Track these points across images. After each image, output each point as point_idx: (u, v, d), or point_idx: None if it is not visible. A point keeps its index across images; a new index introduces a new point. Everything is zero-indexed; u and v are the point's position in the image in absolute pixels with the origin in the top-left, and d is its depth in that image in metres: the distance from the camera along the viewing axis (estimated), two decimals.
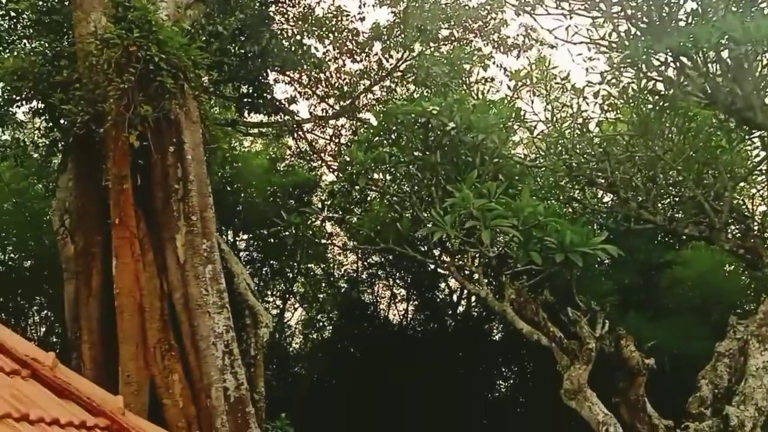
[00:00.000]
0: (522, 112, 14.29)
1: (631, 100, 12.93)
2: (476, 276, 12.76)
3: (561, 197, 15.02)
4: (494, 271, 12.85)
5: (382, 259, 24.28)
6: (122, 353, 10.75)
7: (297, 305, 28.07)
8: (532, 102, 14.74)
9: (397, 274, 25.13)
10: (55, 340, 24.02)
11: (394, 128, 13.50)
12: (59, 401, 5.11)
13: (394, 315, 26.24)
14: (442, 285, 25.42)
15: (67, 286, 12.22)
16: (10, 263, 24.71)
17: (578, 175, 14.03)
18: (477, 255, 12.72)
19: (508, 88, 15.52)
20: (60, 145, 13.95)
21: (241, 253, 22.97)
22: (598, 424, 10.96)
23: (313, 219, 18.88)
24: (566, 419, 18.35)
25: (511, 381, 25.96)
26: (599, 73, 12.61)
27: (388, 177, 14.30)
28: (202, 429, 10.78)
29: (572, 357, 11.63)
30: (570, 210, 14.71)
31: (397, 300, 25.98)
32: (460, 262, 13.13)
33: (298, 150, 22.57)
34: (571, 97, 13.80)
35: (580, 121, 13.41)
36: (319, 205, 19.18)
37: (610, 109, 13.74)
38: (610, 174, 13.26)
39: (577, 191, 15.50)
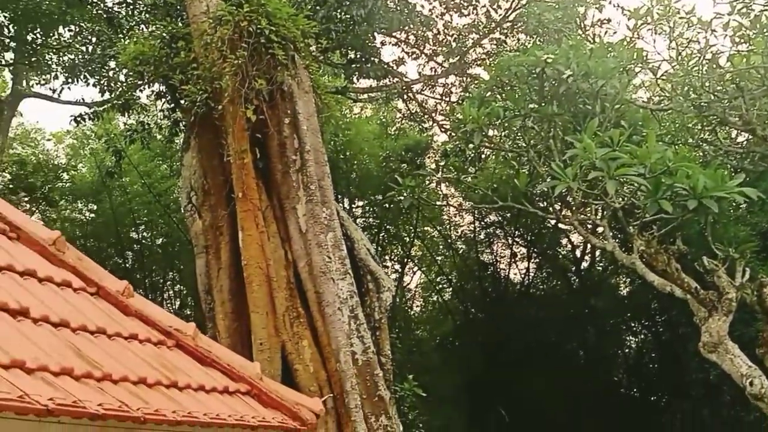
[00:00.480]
0: (644, 53, 13.44)
1: (764, 30, 11.88)
2: (601, 229, 12.26)
3: (690, 140, 14.13)
4: (620, 223, 12.26)
5: (500, 218, 23.93)
6: (254, 322, 11.12)
7: (415, 269, 28.24)
8: (654, 41, 13.89)
9: (516, 232, 24.71)
10: (188, 312, 25.38)
11: (507, 82, 13.08)
12: (202, 368, 5.29)
13: (515, 274, 25.90)
14: (564, 241, 24.81)
15: (198, 261, 12.73)
16: (143, 242, 26.21)
17: (709, 115, 13.11)
18: (601, 207, 12.19)
19: (627, 28, 14.60)
20: (181, 125, 14.50)
21: (358, 220, 23.26)
22: (741, 377, 10.32)
23: (428, 181, 18.80)
24: (704, 373, 17.61)
25: (642, 336, 25.09)
26: (728, 2, 11.61)
27: (502, 133, 13.93)
28: (333, 392, 11.03)
29: (710, 308, 10.97)
30: (701, 153, 13.82)
31: (517, 259, 25.58)
32: (583, 216, 12.65)
33: (408, 112, 22.43)
34: (698, 32, 12.81)
35: (708, 56, 12.45)
36: (433, 167, 19.02)
37: (741, 41, 12.69)
38: (744, 111, 12.29)
39: (708, 132, 14.52)
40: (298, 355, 11.08)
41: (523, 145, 13.35)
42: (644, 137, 11.14)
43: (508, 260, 25.49)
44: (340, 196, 21.50)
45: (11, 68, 20.32)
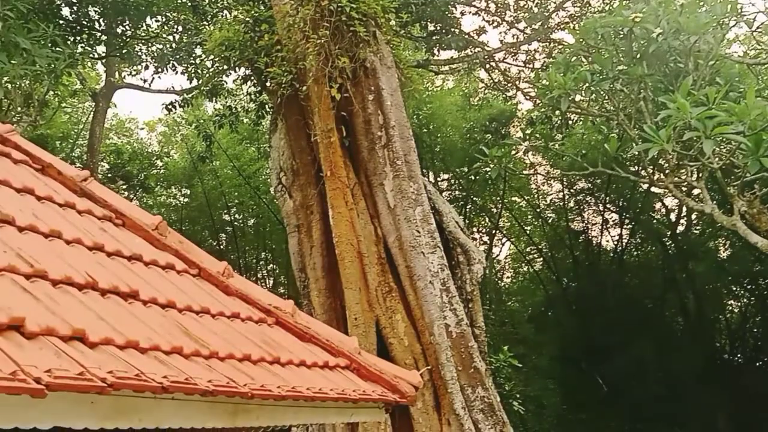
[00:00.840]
0: (738, 5, 12.69)
1: None
2: (698, 191, 11.75)
3: None
4: (718, 183, 11.71)
5: (590, 185, 23.33)
6: (347, 297, 11.30)
7: (504, 240, 27.95)
8: None
9: (608, 198, 24.04)
10: (282, 291, 26.04)
11: (593, 44, 12.63)
12: (302, 344, 5.40)
13: (608, 241, 25.27)
14: (658, 205, 23.98)
15: (290, 240, 13.00)
16: (235, 223, 27.02)
17: None
18: (697, 169, 11.67)
19: None
20: (267, 107, 14.76)
21: (443, 193, 23.17)
22: None
23: (514, 151, 18.48)
24: None
25: (745, 300, 24.04)
26: None
27: (590, 97, 13.50)
28: (428, 365, 11.10)
29: None
30: None
31: (609, 225, 24.91)
32: (678, 179, 12.15)
33: (491, 82, 22.07)
34: None
35: None
36: (519, 136, 18.67)
37: None
38: None
39: None
40: (392, 329, 11.20)
41: (612, 108, 12.91)
42: (741, 94, 10.58)
43: (600, 227, 24.87)
44: (424, 170, 21.40)
45: (104, 61, 21.17)
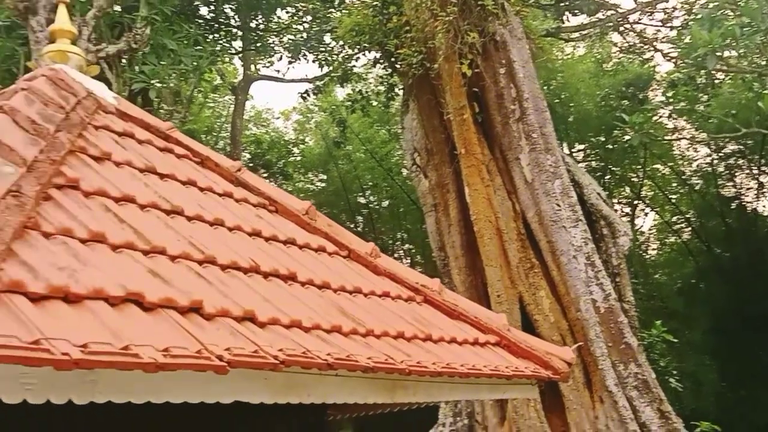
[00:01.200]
0: None
1: None
2: None
3: None
4: None
5: (742, 147, 21.77)
6: (488, 275, 11.24)
7: (647, 210, 26.73)
8: None
9: (762, 161, 22.34)
10: (419, 270, 26.30)
11: None
12: (452, 322, 5.42)
13: (764, 207, 23.52)
14: None
15: (427, 219, 13.09)
16: (370, 205, 27.52)
17: None
18: None
19: None
20: (397, 89, 14.87)
21: (579, 165, 22.44)
22: None
23: (655, 116, 17.58)
24: None
25: None
26: None
27: (740, 53, 12.59)
28: (576, 341, 10.85)
29: None
30: None
31: (765, 190, 23.15)
32: None
33: (625, 45, 21.01)
34: None
35: None
36: (660, 100, 17.73)
37: None
38: None
39: None
40: (537, 305, 11.03)
41: (765, 63, 12.00)
42: None
43: (755, 192, 23.16)
44: (558, 142, 20.85)
45: (240, 56, 22.10)
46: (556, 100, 21.25)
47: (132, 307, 2.68)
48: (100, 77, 5.33)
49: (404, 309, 5.15)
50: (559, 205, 11.24)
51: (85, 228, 3.00)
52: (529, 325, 10.98)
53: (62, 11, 4.70)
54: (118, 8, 10.26)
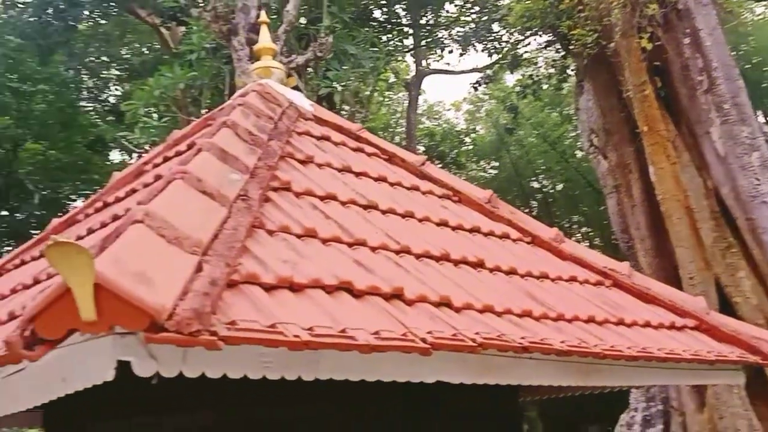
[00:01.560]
0: None
1: None
2: None
3: None
4: None
5: None
6: (679, 256, 10.70)
7: None
8: None
9: None
10: (600, 253, 25.40)
11: None
12: (644, 305, 5.30)
13: None
14: None
15: (608, 201, 12.70)
16: (544, 190, 27.03)
17: None
18: None
19: None
20: (569, 71, 14.52)
21: None
22: None
23: None
24: None
25: None
26: None
27: None
28: None
29: None
30: None
31: None
32: None
33: None
34: None
35: None
36: None
37: None
38: None
39: None
40: (736, 287, 10.35)
41: None
42: None
43: None
44: (753, 111, 19.27)
45: (411, 52, 22.60)
46: (747, 66, 19.63)
47: (344, 294, 2.95)
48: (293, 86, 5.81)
49: (593, 293, 5.11)
50: (758, 180, 10.45)
51: (299, 225, 3.36)
52: (727, 309, 10.33)
53: (264, 31, 5.20)
54: (303, 21, 10.98)
